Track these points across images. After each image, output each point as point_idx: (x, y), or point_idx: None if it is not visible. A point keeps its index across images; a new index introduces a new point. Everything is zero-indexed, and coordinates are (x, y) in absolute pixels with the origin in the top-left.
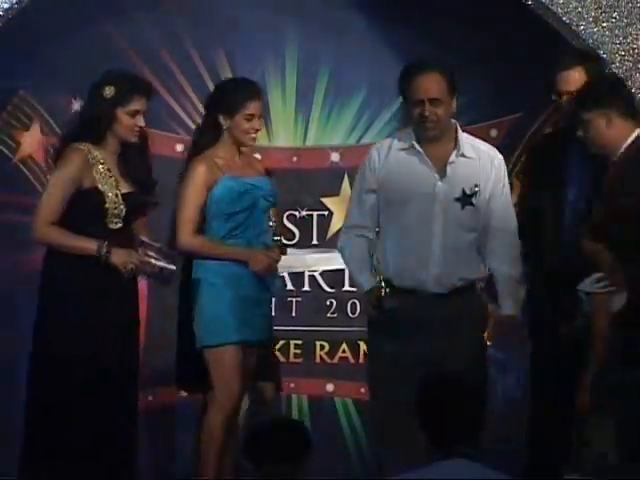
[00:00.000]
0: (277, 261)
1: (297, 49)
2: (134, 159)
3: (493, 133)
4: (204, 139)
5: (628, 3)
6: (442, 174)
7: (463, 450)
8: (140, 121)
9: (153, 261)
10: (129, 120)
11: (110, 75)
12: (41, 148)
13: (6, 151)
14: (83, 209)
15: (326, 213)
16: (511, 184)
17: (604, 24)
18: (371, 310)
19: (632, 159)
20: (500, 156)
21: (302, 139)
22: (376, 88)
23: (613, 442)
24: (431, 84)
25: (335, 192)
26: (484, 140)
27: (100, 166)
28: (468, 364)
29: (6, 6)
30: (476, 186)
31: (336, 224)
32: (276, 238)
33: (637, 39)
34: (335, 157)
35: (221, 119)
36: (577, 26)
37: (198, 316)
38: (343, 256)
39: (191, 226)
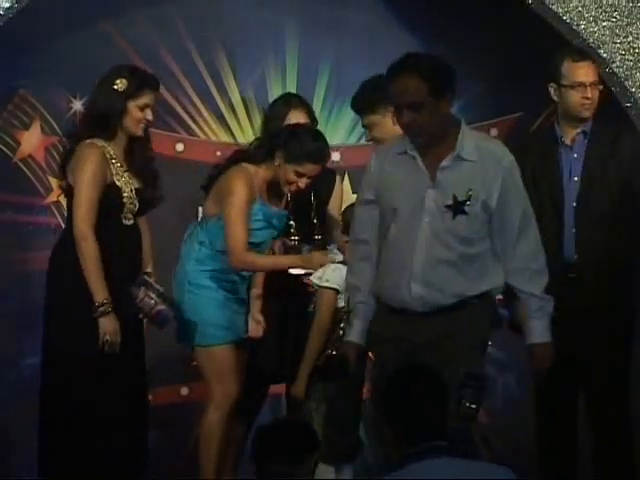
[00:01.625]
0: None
1: (297, 49)
2: (139, 154)
3: (493, 133)
4: (255, 153)
5: (628, 3)
6: (435, 180)
7: (440, 445)
8: (149, 114)
9: (152, 303)
10: (139, 113)
11: (120, 69)
12: (41, 148)
13: (6, 151)
14: (102, 206)
15: None
16: None
17: (604, 23)
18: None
19: None
20: (511, 156)
21: None
22: None
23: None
24: (406, 88)
25: None
26: None
27: (114, 161)
28: (457, 390)
29: (6, 5)
30: (470, 190)
31: None
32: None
33: (637, 38)
34: (335, 157)
35: (277, 155)
36: (577, 25)
37: (189, 316)
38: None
39: (243, 244)
